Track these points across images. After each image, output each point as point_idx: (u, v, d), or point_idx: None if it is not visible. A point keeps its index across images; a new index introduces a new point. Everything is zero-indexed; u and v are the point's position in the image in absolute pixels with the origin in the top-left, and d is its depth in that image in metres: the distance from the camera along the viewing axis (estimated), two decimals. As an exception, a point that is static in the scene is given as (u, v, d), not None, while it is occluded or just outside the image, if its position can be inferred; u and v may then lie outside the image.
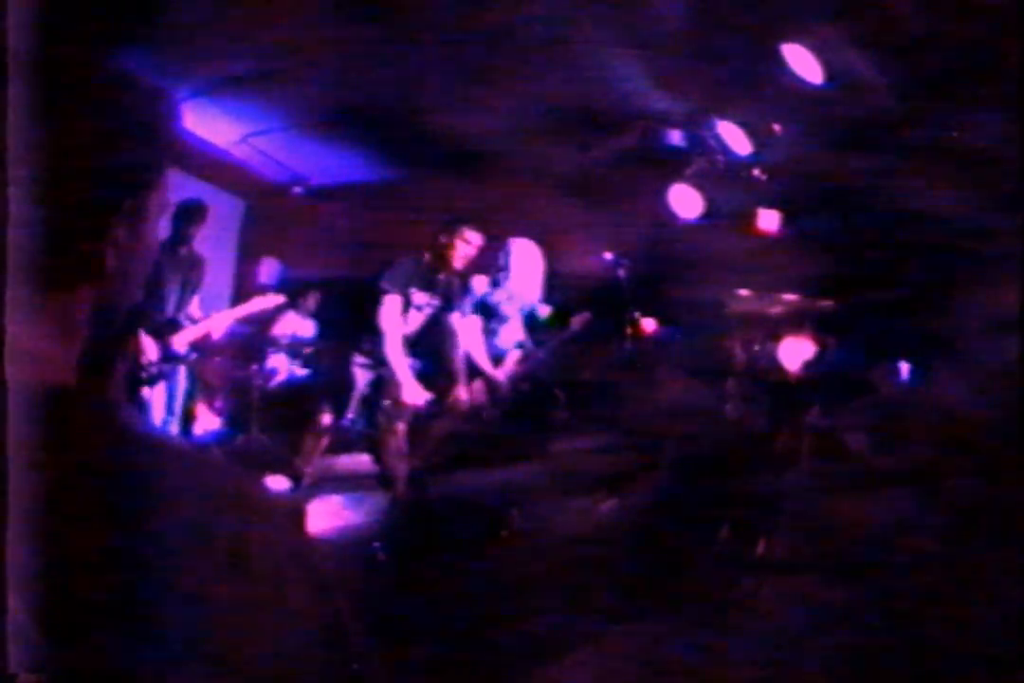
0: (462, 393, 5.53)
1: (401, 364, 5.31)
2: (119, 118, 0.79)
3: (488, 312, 5.98)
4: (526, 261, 6.07)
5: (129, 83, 0.80)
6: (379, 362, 5.38)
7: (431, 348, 5.60)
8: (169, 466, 0.77)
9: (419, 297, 5.43)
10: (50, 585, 0.67)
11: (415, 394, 5.30)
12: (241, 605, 0.73)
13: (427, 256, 5.51)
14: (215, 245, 5.99)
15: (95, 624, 0.67)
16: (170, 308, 5.37)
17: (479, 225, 5.50)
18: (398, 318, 5.37)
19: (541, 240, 6.12)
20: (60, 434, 0.72)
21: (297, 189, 7.62)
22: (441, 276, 5.52)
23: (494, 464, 5.30)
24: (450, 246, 5.43)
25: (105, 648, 0.67)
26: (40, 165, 0.74)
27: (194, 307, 5.58)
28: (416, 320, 5.51)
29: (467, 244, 5.44)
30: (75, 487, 0.70)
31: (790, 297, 6.43)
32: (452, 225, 5.45)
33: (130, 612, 0.68)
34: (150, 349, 5.07)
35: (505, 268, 6.04)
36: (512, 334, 6.09)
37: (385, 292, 5.35)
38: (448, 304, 5.57)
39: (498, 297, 6.02)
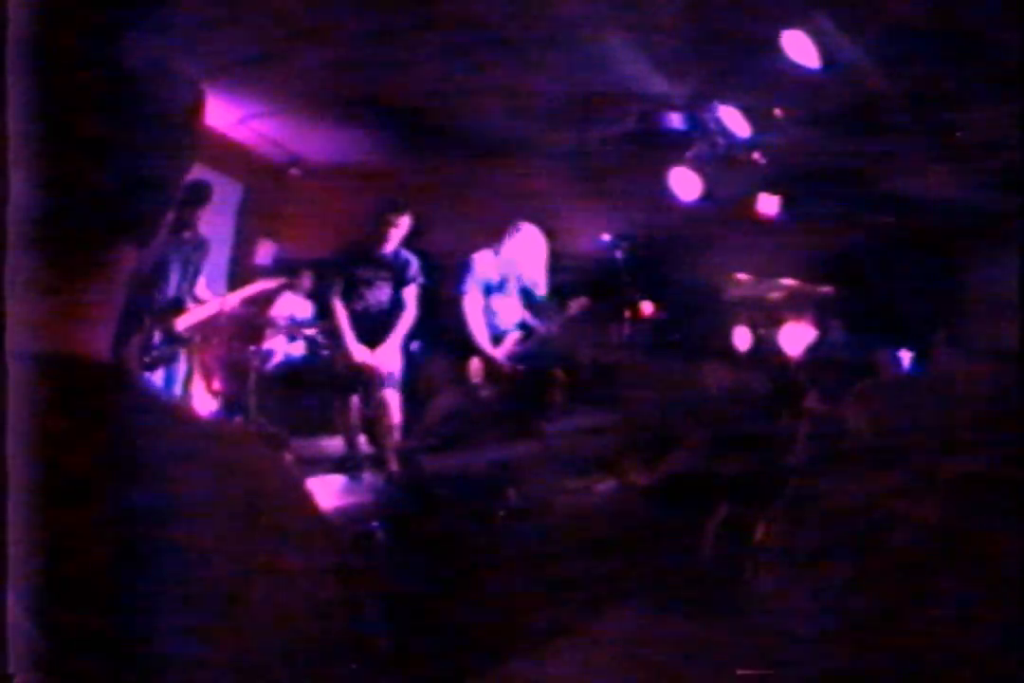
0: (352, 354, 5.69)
1: (346, 328, 5.72)
2: (150, 107, 0.78)
3: (489, 291, 6.01)
4: (531, 245, 6.07)
5: (156, 70, 0.79)
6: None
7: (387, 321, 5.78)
8: (190, 438, 0.78)
9: (364, 272, 5.79)
10: (50, 574, 0.66)
11: (359, 352, 5.65)
12: (254, 582, 0.72)
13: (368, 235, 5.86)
14: (212, 227, 5.97)
15: (95, 613, 0.67)
16: (172, 290, 5.35)
17: (408, 207, 5.83)
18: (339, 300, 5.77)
19: (539, 222, 6.11)
20: (75, 406, 0.72)
21: (294, 171, 7.61)
22: (384, 252, 5.82)
23: (491, 443, 5.33)
24: (384, 227, 5.77)
25: (104, 644, 0.66)
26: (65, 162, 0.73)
27: (201, 288, 5.59)
28: (371, 295, 5.82)
29: (397, 228, 5.76)
30: (88, 457, 0.70)
31: (790, 281, 6.44)
32: (382, 212, 5.78)
33: (135, 598, 0.68)
34: (154, 331, 5.07)
35: (507, 250, 6.05)
36: (512, 314, 6.10)
37: (337, 273, 5.84)
38: (399, 277, 5.83)
39: (499, 277, 6.02)
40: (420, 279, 5.88)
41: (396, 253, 5.86)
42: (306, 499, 0.84)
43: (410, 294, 5.86)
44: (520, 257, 6.02)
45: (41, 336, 0.74)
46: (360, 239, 5.94)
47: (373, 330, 5.72)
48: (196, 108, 0.87)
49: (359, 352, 5.68)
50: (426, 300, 5.92)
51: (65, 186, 0.73)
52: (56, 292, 0.75)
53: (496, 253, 6.04)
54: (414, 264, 5.88)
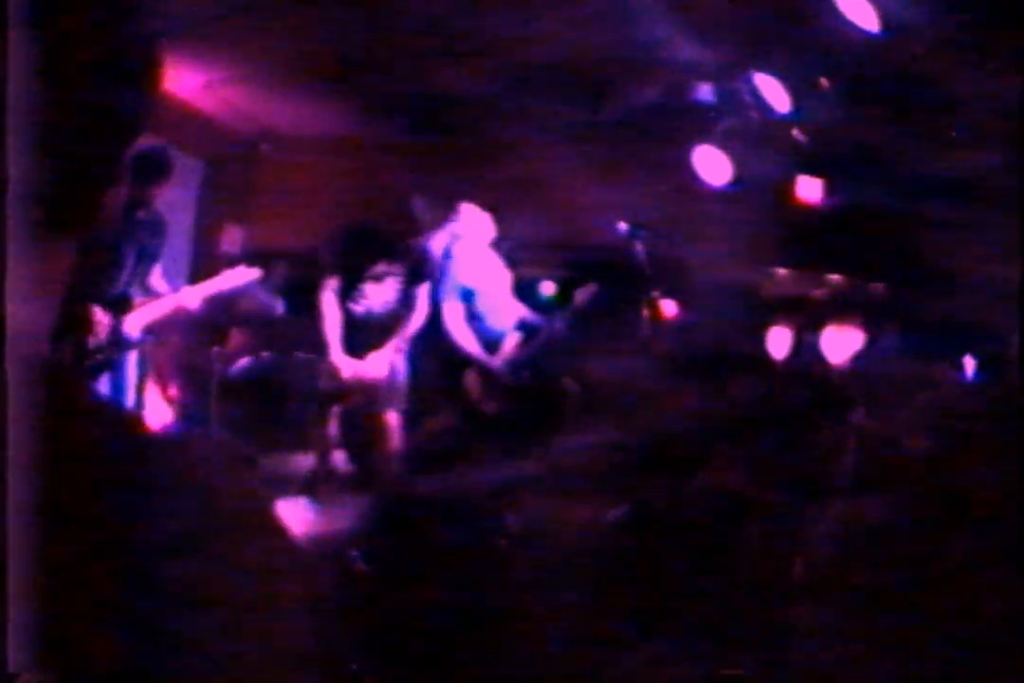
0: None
1: (334, 339, 5.58)
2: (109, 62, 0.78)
3: (468, 294, 5.99)
4: (476, 230, 6.05)
5: (116, 27, 0.79)
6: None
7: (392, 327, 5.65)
8: (139, 452, 0.79)
9: (375, 265, 5.59)
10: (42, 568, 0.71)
11: (346, 366, 5.52)
12: (230, 600, 0.74)
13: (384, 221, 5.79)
14: (170, 210, 5.94)
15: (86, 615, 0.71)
16: (123, 281, 5.27)
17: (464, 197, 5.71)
18: (333, 299, 5.59)
19: (546, 208, 6.12)
20: (41, 409, 0.75)
21: (266, 145, 7.60)
22: (402, 243, 5.69)
23: (490, 464, 5.32)
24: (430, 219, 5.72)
25: (101, 644, 0.70)
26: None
27: (156, 278, 5.51)
28: (378, 293, 5.63)
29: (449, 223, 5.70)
30: (58, 468, 0.73)
31: (835, 278, 6.44)
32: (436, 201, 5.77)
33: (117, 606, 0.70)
34: (98, 330, 5.02)
35: (456, 239, 6.02)
36: (507, 313, 6.09)
37: (326, 269, 5.63)
38: (415, 275, 5.66)
39: (461, 273, 5.99)
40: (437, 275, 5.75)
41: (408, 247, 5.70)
42: (274, 526, 0.86)
43: (423, 292, 5.72)
44: (468, 245, 5.99)
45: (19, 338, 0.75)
46: (372, 224, 5.78)
47: (377, 337, 5.58)
48: (152, 69, 0.86)
49: (347, 366, 5.52)
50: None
51: None
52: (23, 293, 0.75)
53: (450, 244, 6.00)
54: (433, 256, 5.76)
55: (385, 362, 5.56)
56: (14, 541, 0.69)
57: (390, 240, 5.62)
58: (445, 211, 6.03)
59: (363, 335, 5.57)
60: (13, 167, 0.74)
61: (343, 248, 5.70)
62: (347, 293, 5.60)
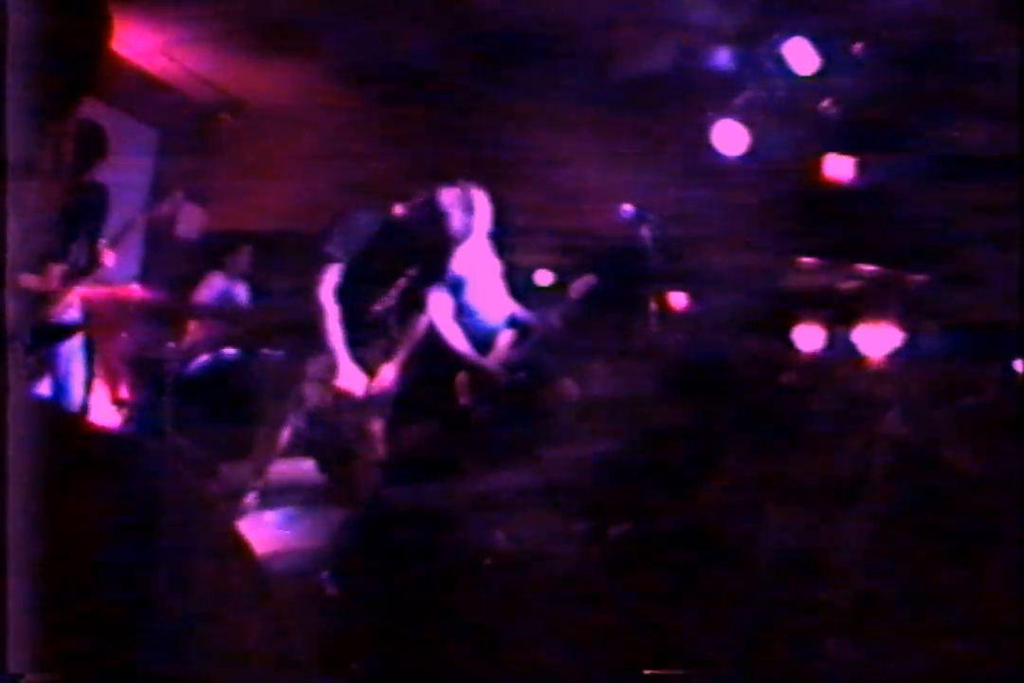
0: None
1: (338, 341, 5.47)
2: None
3: (458, 285, 6.00)
4: (474, 214, 6.05)
5: None
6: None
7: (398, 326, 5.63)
8: (81, 459, 0.81)
9: (390, 261, 5.48)
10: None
11: (351, 378, 5.44)
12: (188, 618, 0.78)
13: (394, 208, 5.58)
14: (118, 189, 5.94)
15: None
16: (60, 256, 5.24)
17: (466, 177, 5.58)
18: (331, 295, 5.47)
19: (540, 187, 6.11)
20: None
21: (227, 115, 7.59)
22: (411, 237, 5.56)
23: (476, 474, 5.34)
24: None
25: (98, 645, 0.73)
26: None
27: (107, 257, 5.47)
28: (385, 292, 5.56)
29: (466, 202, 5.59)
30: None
31: (869, 268, 6.43)
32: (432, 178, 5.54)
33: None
34: (26, 316, 5.02)
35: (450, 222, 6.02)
36: (498, 308, 6.09)
37: (327, 259, 5.46)
38: (427, 273, 5.60)
39: (455, 263, 6.01)
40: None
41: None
42: (234, 543, 0.87)
43: (436, 296, 5.68)
44: (468, 231, 5.98)
45: None
46: (383, 209, 5.65)
47: (383, 344, 5.55)
48: (97, 29, 0.89)
49: (357, 381, 5.51)
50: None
51: None
52: None
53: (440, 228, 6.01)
54: (452, 252, 5.71)
55: (394, 375, 5.54)
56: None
57: (406, 232, 5.55)
58: (465, 199, 6.02)
59: (363, 340, 5.53)
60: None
61: (350, 236, 5.57)
62: (344, 288, 5.52)
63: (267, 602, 0.84)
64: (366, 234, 5.59)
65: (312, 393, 5.60)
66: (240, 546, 0.87)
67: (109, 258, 5.45)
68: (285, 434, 5.61)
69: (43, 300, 5.06)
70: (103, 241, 5.45)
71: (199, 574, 0.80)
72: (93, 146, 5.30)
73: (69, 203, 5.21)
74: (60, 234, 5.19)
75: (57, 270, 5.18)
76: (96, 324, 5.41)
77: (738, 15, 5.92)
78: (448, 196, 5.99)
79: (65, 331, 5.26)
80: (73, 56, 0.87)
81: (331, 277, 5.49)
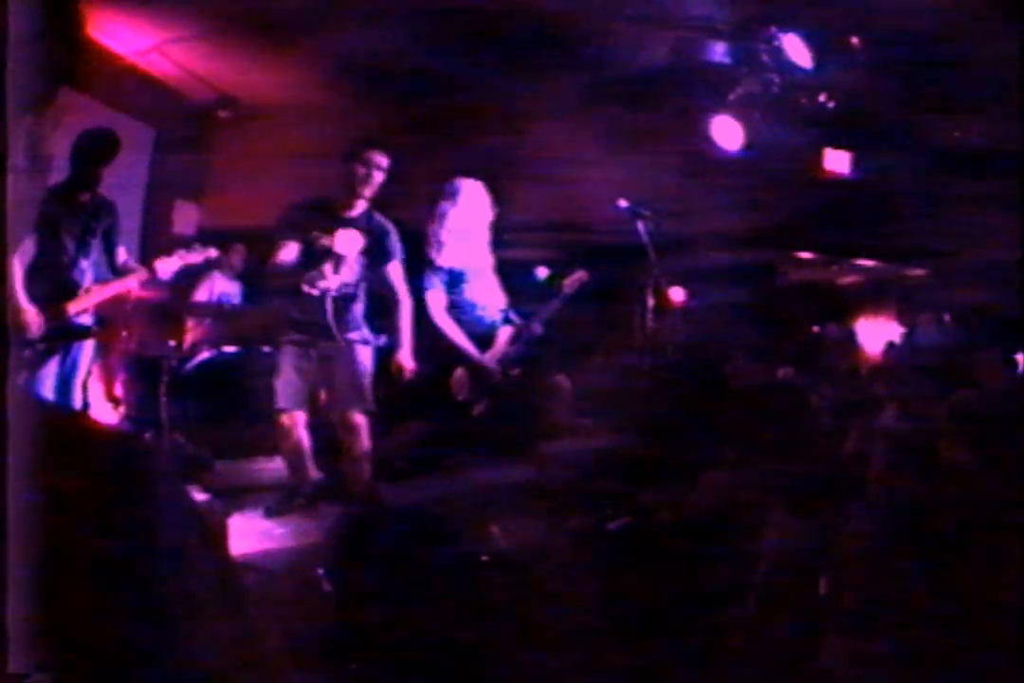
0: (407, 361, 5.53)
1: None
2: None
3: (456, 281, 5.99)
4: (476, 208, 6.05)
5: None
6: (313, 335, 5.42)
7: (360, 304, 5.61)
8: (77, 457, 0.80)
9: (328, 240, 5.36)
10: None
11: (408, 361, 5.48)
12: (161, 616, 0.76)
13: (333, 190, 5.54)
14: (115, 187, 5.93)
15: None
16: (69, 266, 5.24)
17: (383, 146, 5.50)
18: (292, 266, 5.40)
19: (536, 182, 6.11)
20: None
21: (223, 113, 7.59)
22: (354, 212, 5.50)
23: (473, 469, 5.33)
24: (353, 173, 5.43)
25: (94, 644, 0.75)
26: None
27: (124, 260, 5.44)
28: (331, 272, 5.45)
29: (374, 169, 5.44)
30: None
31: (867, 262, 6.43)
32: (354, 149, 5.45)
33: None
34: (36, 319, 5.02)
35: (448, 216, 6.03)
36: (494, 304, 6.09)
37: (278, 240, 5.42)
38: (378, 247, 5.52)
39: (449, 257, 6.00)
40: (401, 255, 5.61)
41: (369, 216, 5.54)
42: (206, 548, 0.86)
43: (397, 276, 5.59)
44: (466, 225, 5.99)
45: None
46: (323, 196, 5.61)
47: (339, 323, 5.41)
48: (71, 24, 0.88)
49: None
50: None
51: None
52: None
53: (437, 223, 6.02)
54: (393, 233, 5.59)
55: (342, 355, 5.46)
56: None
57: (337, 211, 5.47)
58: (438, 187, 6.02)
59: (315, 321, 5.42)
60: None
61: (298, 218, 5.50)
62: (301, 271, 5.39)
63: (236, 605, 0.85)
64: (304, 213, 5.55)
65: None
66: (213, 551, 0.90)
67: (131, 263, 5.46)
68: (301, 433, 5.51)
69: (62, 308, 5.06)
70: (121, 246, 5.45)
71: (166, 574, 0.81)
72: (101, 154, 5.27)
73: (73, 214, 5.21)
74: (65, 245, 5.19)
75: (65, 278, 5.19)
76: (98, 320, 5.40)
77: (734, 10, 5.90)
78: (447, 191, 6.01)
79: (79, 333, 5.25)
80: (47, 51, 0.86)
81: (285, 254, 5.40)
